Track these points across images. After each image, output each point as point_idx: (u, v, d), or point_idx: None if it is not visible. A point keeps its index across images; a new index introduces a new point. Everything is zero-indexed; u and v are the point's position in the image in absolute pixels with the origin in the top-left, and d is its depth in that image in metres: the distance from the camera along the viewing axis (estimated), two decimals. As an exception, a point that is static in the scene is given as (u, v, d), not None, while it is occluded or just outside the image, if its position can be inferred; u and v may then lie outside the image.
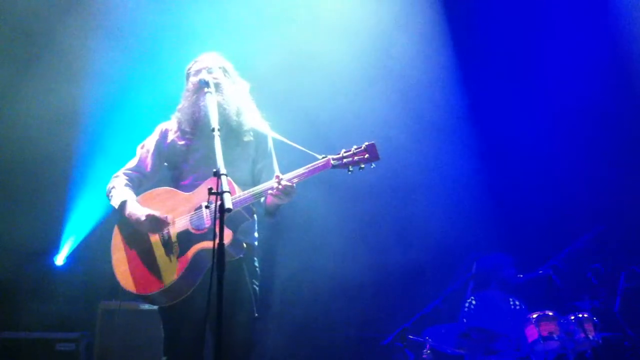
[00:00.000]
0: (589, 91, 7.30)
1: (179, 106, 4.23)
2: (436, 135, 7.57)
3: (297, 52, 6.92)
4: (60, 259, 7.10)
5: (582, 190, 7.24)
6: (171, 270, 3.80)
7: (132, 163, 4.25)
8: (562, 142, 7.40)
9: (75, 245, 7.09)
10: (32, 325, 6.57)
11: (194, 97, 4.10)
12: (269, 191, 3.78)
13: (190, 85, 4.18)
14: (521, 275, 6.43)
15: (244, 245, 3.90)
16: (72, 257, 7.13)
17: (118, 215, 4.04)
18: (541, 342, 5.73)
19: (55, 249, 7.11)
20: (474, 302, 6.63)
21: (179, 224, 3.90)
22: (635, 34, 7.22)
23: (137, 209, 3.92)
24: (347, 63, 7.12)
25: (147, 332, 5.95)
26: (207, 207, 3.65)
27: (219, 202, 3.13)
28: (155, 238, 3.92)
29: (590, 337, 5.64)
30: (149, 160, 4.22)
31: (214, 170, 3.27)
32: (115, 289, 4.07)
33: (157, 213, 3.88)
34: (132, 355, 6.04)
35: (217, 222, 3.11)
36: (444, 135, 7.62)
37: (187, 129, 4.13)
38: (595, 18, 7.37)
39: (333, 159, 3.77)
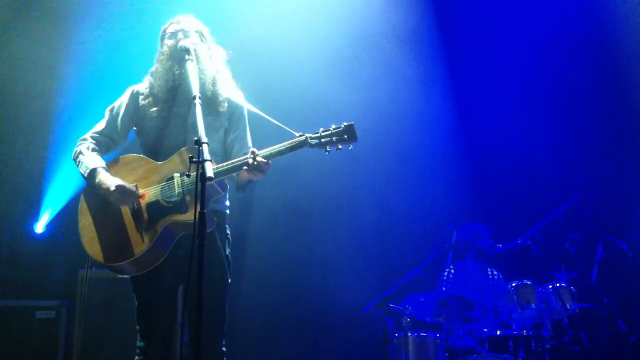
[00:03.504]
0: (564, 64, 7.30)
1: (152, 69, 4.06)
2: (414, 106, 7.54)
3: (273, 23, 6.86)
4: (40, 227, 7.06)
5: (560, 161, 7.27)
6: (140, 241, 3.72)
7: (100, 126, 4.08)
8: (539, 113, 7.40)
9: (55, 213, 7.05)
10: (11, 293, 6.55)
11: (169, 63, 3.94)
12: (243, 167, 3.65)
13: (165, 48, 4.02)
14: (500, 245, 6.49)
15: (215, 219, 3.81)
16: (52, 225, 7.09)
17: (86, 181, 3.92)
18: (519, 310, 5.81)
19: (35, 216, 7.07)
20: (453, 271, 6.70)
21: (149, 194, 3.80)
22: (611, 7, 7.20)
23: (108, 179, 3.78)
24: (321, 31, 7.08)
25: (127, 301, 5.93)
26: (187, 175, 3.56)
27: (200, 171, 3.06)
28: (124, 207, 3.82)
29: (567, 306, 5.72)
30: (118, 124, 4.06)
31: (195, 138, 3.18)
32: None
33: (128, 185, 3.76)
34: (114, 323, 6.03)
35: (193, 193, 3.07)
36: (422, 106, 7.58)
37: (160, 96, 3.98)
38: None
39: (311, 138, 3.64)
